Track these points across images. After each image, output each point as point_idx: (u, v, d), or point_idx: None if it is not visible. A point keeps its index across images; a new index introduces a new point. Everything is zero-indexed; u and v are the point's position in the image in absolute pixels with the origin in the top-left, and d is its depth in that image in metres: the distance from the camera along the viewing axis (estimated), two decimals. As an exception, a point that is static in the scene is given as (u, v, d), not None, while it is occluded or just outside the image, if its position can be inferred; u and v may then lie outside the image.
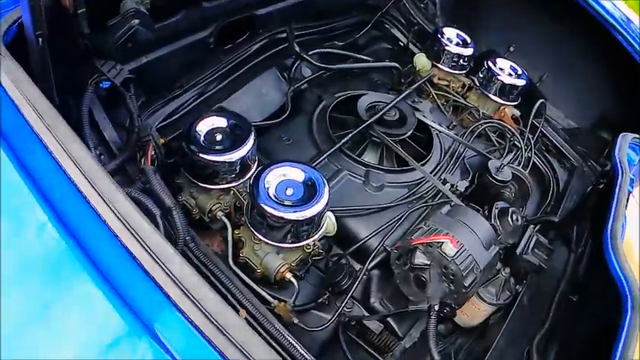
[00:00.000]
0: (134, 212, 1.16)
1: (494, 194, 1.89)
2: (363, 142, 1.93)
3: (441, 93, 2.17)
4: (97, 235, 1.13)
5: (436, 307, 1.55)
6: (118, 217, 1.13)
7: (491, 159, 1.89)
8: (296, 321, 1.55)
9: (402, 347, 1.78)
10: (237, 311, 1.29)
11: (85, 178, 1.16)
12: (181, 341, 1.05)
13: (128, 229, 1.12)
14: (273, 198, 1.47)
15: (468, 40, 2.21)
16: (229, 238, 1.57)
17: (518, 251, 1.85)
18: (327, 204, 1.49)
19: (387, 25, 2.37)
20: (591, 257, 2.00)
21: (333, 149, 1.80)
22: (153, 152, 1.59)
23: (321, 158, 1.77)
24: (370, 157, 1.88)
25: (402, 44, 2.32)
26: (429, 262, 1.56)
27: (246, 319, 1.26)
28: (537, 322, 1.93)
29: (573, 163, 2.35)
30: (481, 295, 1.83)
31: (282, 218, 1.44)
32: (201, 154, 1.55)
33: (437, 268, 1.55)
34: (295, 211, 1.45)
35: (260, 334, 1.28)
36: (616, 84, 2.40)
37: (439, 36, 2.17)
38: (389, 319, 1.72)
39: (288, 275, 1.54)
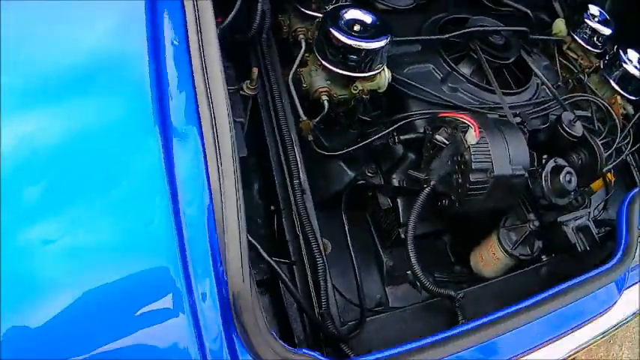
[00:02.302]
0: None
1: (559, 149, 1.83)
2: (462, 58, 1.99)
3: (565, 62, 2.14)
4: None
5: (432, 183, 1.58)
6: None
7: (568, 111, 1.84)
8: (311, 138, 1.70)
9: (398, 238, 1.82)
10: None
11: None
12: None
13: None
14: (340, 26, 1.64)
15: (610, 20, 2.15)
16: (299, 55, 1.77)
17: (559, 218, 1.79)
18: (383, 47, 1.63)
19: None
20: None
21: (427, 37, 1.91)
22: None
23: (413, 38, 1.90)
24: (463, 69, 1.93)
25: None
26: (447, 142, 1.60)
27: None
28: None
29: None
30: (500, 237, 1.79)
31: (340, 42, 1.62)
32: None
33: (451, 151, 1.59)
34: (353, 39, 1.62)
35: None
36: None
37: (581, 8, 2.15)
38: (398, 200, 1.78)
39: (324, 97, 1.70)
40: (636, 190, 1.53)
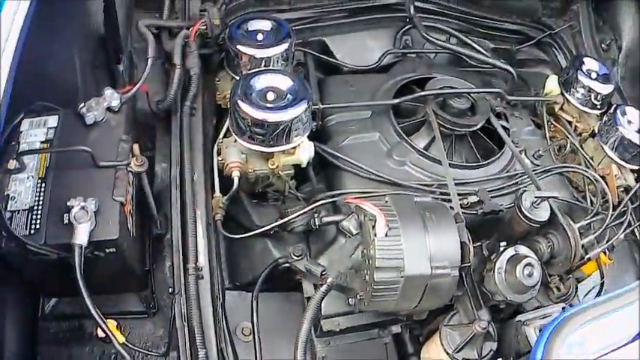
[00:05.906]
0: None
1: (519, 236, 1.52)
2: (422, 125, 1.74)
3: (559, 127, 1.81)
4: None
5: (329, 281, 1.33)
6: None
7: (540, 190, 1.53)
8: (219, 217, 1.55)
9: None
10: None
11: None
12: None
13: None
14: (249, 97, 1.49)
15: (612, 77, 1.78)
16: (224, 127, 1.64)
17: (520, 317, 1.49)
18: (294, 119, 1.46)
19: (554, 49, 2.05)
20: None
21: (372, 103, 1.71)
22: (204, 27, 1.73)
23: (360, 104, 1.71)
24: (419, 140, 1.69)
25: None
26: (355, 233, 1.38)
27: None
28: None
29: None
30: (441, 336, 1.52)
31: (247, 114, 1.47)
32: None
33: (357, 242, 1.37)
34: (260, 110, 1.46)
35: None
36: None
37: (576, 63, 1.81)
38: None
39: (235, 173, 1.56)
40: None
